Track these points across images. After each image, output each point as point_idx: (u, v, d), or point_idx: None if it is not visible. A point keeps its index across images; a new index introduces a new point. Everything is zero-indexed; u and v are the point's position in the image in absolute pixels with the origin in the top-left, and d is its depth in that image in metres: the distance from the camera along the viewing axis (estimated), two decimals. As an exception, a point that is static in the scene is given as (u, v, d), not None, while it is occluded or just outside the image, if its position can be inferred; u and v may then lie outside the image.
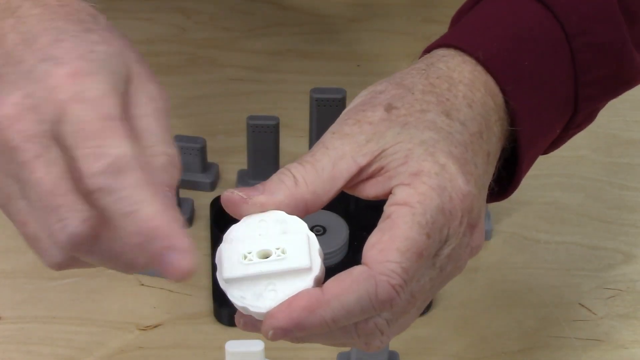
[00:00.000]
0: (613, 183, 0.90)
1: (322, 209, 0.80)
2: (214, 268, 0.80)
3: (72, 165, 0.51)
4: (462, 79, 0.60)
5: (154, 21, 1.05)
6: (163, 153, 0.54)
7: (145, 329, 0.77)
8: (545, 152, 0.68)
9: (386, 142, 0.56)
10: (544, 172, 0.91)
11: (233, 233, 0.56)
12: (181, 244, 0.52)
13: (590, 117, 0.67)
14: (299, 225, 0.55)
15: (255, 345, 0.67)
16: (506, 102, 0.61)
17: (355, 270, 0.53)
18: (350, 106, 0.59)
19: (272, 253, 0.54)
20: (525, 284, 0.82)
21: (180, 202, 0.84)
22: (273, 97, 0.97)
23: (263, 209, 0.55)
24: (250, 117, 0.87)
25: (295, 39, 1.04)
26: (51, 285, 0.80)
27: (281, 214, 0.55)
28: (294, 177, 0.56)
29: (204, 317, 0.78)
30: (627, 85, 0.67)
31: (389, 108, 0.58)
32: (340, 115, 0.59)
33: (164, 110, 0.56)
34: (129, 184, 0.50)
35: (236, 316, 0.56)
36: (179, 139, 0.86)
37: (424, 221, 0.54)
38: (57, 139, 0.51)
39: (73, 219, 0.50)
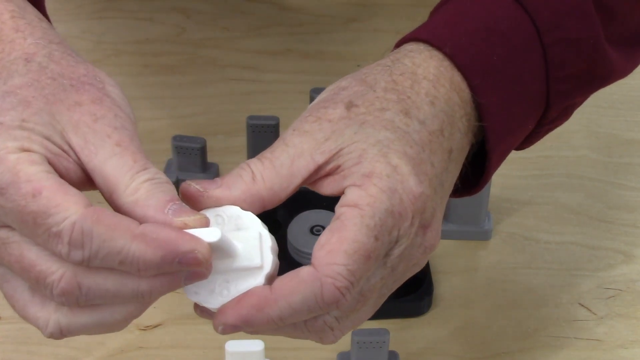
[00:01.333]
0: (613, 183, 0.90)
1: (324, 209, 0.81)
2: (214, 268, 0.80)
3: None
4: (427, 75, 0.60)
5: (154, 21, 1.05)
6: (141, 183, 0.54)
7: (145, 329, 0.77)
8: (520, 147, 0.67)
9: (344, 141, 0.57)
10: (544, 172, 0.91)
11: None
12: (184, 247, 0.52)
13: (565, 114, 0.67)
14: (253, 223, 0.56)
15: (255, 345, 0.67)
16: (477, 103, 0.61)
17: (303, 270, 0.54)
18: (314, 102, 0.60)
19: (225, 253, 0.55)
20: (525, 284, 0.82)
21: (180, 202, 0.84)
22: (273, 97, 0.97)
23: (219, 203, 0.56)
24: (250, 117, 0.87)
25: (295, 39, 1.04)
26: (51, 285, 0.80)
27: (236, 210, 0.56)
28: (252, 172, 0.56)
29: (204, 317, 0.78)
30: (601, 81, 0.66)
31: (349, 106, 0.58)
32: (304, 111, 0.59)
33: (126, 139, 0.55)
34: (98, 244, 0.51)
35: (194, 306, 0.57)
36: (179, 139, 0.86)
37: (372, 224, 0.54)
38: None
39: (52, 282, 0.53)
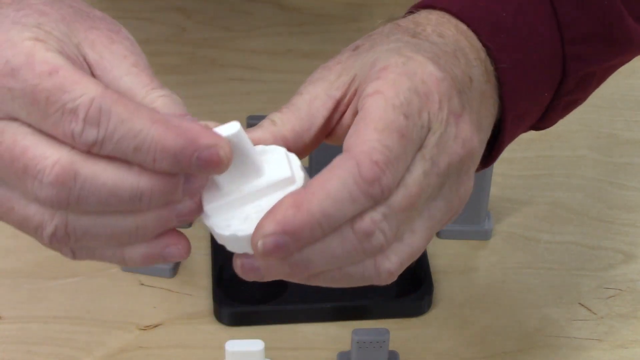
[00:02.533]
0: (613, 183, 0.90)
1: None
2: (214, 268, 0.80)
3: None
4: (429, 22, 0.59)
5: (154, 21, 1.05)
6: (158, 97, 0.52)
7: (145, 328, 0.77)
8: (540, 125, 0.66)
9: (355, 69, 0.55)
10: (544, 172, 0.91)
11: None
12: (206, 139, 0.49)
13: (584, 87, 0.65)
14: (277, 147, 0.53)
15: (255, 345, 0.67)
16: (489, 52, 0.59)
17: (335, 158, 0.51)
18: None
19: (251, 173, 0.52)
20: (525, 284, 0.82)
21: (180, 202, 0.84)
22: (273, 97, 0.97)
23: None
24: (250, 117, 0.87)
25: (295, 39, 1.04)
26: (51, 285, 0.80)
27: (259, 146, 0.53)
28: (271, 120, 0.55)
29: (204, 317, 0.78)
30: (619, 49, 0.64)
31: (355, 48, 0.57)
32: None
33: (142, 63, 0.54)
34: (116, 124, 0.48)
35: (234, 259, 0.53)
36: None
37: (397, 102, 0.52)
38: (20, 119, 0.50)
39: (44, 168, 0.49)
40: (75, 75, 0.50)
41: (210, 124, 0.51)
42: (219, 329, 0.77)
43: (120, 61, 0.53)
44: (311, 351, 0.76)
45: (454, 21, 0.59)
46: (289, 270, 0.52)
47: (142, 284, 0.80)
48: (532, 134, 0.93)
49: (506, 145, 0.62)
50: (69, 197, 0.49)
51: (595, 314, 0.80)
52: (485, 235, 0.85)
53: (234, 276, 0.81)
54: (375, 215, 0.51)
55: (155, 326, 0.78)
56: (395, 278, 0.54)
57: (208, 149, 0.49)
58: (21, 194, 0.51)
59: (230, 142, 0.49)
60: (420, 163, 0.53)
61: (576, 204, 0.88)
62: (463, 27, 0.59)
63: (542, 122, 0.65)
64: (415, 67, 0.53)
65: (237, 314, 0.77)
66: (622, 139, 0.94)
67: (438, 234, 0.84)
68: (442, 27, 0.58)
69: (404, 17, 0.61)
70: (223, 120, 0.97)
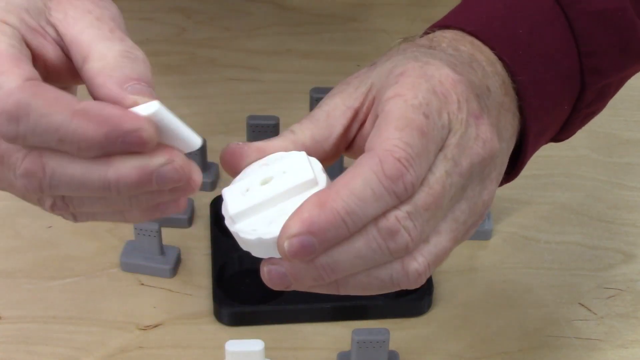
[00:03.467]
0: (613, 183, 0.90)
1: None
2: (214, 268, 0.80)
3: None
4: (444, 39, 0.59)
5: (154, 21, 1.05)
6: (114, 53, 0.53)
7: (145, 328, 0.77)
8: (560, 137, 0.66)
9: (372, 78, 0.56)
10: (544, 172, 0.91)
11: (235, 179, 0.54)
12: (128, 125, 0.50)
13: (602, 98, 0.65)
14: (298, 152, 0.53)
15: (255, 345, 0.67)
16: (506, 66, 0.59)
17: (359, 158, 0.51)
18: None
19: (273, 178, 0.52)
20: (525, 284, 0.82)
21: (180, 202, 0.84)
22: (273, 97, 0.97)
23: (261, 154, 0.55)
24: (250, 117, 0.87)
25: (295, 39, 1.04)
26: (51, 285, 0.80)
27: (280, 153, 0.54)
28: (291, 130, 0.56)
29: (204, 317, 0.78)
30: (635, 59, 0.65)
31: (373, 64, 0.58)
32: None
33: (107, 16, 0.55)
34: (35, 118, 0.49)
35: (261, 266, 0.53)
36: (179, 138, 0.86)
37: (417, 103, 0.52)
38: None
39: (15, 161, 0.51)
40: (5, 65, 0.50)
41: (139, 99, 0.52)
42: (219, 329, 0.77)
43: (83, 15, 0.54)
44: (311, 351, 0.76)
45: (469, 38, 0.60)
46: (315, 273, 0.52)
47: (142, 284, 0.80)
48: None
49: (529, 158, 0.63)
50: (42, 187, 0.51)
51: (595, 314, 0.80)
52: (485, 235, 0.85)
53: (234, 276, 0.81)
54: (400, 213, 0.51)
55: (155, 326, 0.78)
56: (424, 280, 0.54)
57: (131, 133, 0.49)
58: None
59: (152, 120, 0.50)
60: (442, 163, 0.53)
61: (576, 204, 0.88)
62: (479, 43, 0.60)
63: (562, 134, 0.66)
64: (432, 70, 0.54)
65: (237, 314, 0.77)
66: (622, 139, 0.94)
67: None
68: (457, 42, 0.59)
69: (419, 37, 0.61)
70: (223, 120, 0.98)
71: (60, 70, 0.55)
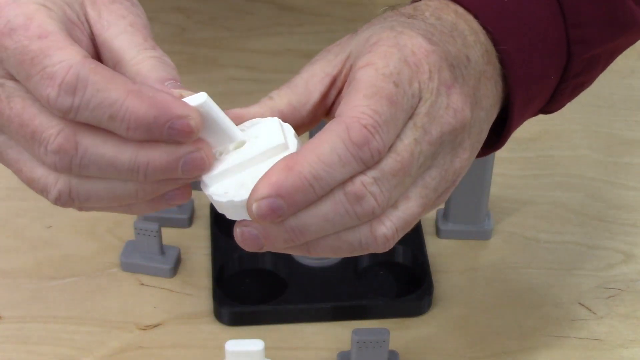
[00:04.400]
0: (613, 183, 0.90)
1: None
2: (214, 268, 0.80)
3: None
4: (428, 8, 0.60)
5: (154, 21, 1.05)
6: (147, 58, 0.54)
7: (145, 328, 0.77)
8: (549, 109, 0.66)
9: (350, 47, 0.57)
10: (544, 172, 0.91)
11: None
12: (178, 110, 0.51)
13: (590, 69, 0.66)
14: (271, 118, 0.55)
15: (255, 345, 0.67)
16: (490, 35, 0.60)
17: (327, 124, 0.53)
18: None
19: (245, 142, 0.54)
20: (525, 283, 0.82)
21: (180, 202, 0.84)
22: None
23: (238, 120, 0.56)
24: (250, 117, 0.87)
25: (295, 39, 1.04)
26: (51, 285, 0.80)
27: (255, 119, 0.56)
28: (269, 96, 0.57)
29: (204, 317, 0.78)
30: (623, 32, 0.65)
31: (354, 32, 0.59)
32: None
33: (139, 23, 0.56)
34: (92, 92, 0.50)
35: (234, 227, 0.54)
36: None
37: (387, 72, 0.53)
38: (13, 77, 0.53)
39: (49, 136, 0.52)
40: (62, 42, 0.52)
41: (184, 92, 0.53)
42: (219, 329, 0.77)
43: (118, 20, 0.55)
44: (311, 351, 0.76)
45: (453, 7, 0.60)
46: (286, 235, 0.53)
47: (142, 284, 0.80)
48: (532, 133, 0.94)
49: (514, 129, 0.63)
50: (71, 165, 0.52)
51: (595, 313, 0.80)
52: (485, 235, 0.85)
53: (234, 276, 0.81)
54: (366, 179, 0.53)
55: (155, 326, 0.78)
56: (391, 245, 0.55)
57: (179, 119, 0.51)
58: (29, 157, 0.54)
59: (199, 111, 0.52)
60: (412, 131, 0.54)
61: (576, 204, 0.88)
62: (463, 11, 0.60)
63: (551, 105, 0.66)
64: (405, 39, 0.55)
65: (237, 314, 0.77)
66: (622, 139, 0.94)
67: (438, 234, 0.84)
68: (441, 11, 0.60)
69: (406, 5, 0.62)
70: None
71: None
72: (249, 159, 0.53)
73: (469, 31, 0.59)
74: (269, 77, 0.99)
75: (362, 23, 1.10)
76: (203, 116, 0.52)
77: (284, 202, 0.51)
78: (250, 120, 0.56)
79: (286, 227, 0.53)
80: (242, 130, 0.55)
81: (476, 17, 0.60)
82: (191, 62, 1.01)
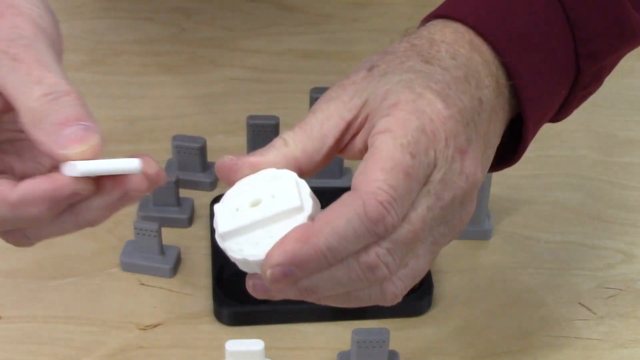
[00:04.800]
0: (613, 183, 0.90)
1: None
2: (214, 268, 0.80)
3: None
4: (444, 39, 0.60)
5: (154, 21, 1.05)
6: (37, 98, 0.53)
7: (145, 328, 0.77)
8: (557, 118, 0.67)
9: (368, 93, 0.57)
10: (544, 172, 0.91)
11: (227, 194, 0.56)
12: (63, 193, 0.53)
13: (597, 79, 0.66)
14: (288, 173, 0.56)
15: (255, 345, 0.67)
16: (503, 64, 0.60)
17: (344, 195, 0.53)
18: None
19: (262, 201, 0.55)
20: (525, 283, 0.82)
21: (180, 202, 0.84)
22: (273, 97, 0.97)
23: (254, 169, 0.56)
24: (250, 117, 0.87)
25: (295, 39, 1.04)
26: (51, 285, 0.80)
27: (271, 170, 0.56)
28: (284, 139, 0.57)
29: (204, 317, 0.78)
30: (629, 41, 0.66)
31: (370, 68, 0.59)
32: None
33: (23, 44, 0.53)
34: None
35: (246, 279, 0.56)
36: (179, 138, 0.86)
37: (405, 142, 0.54)
38: None
39: None
40: None
41: (79, 152, 0.53)
42: (219, 329, 0.77)
43: (1, 59, 0.53)
44: (311, 351, 0.76)
45: (468, 37, 0.60)
46: (297, 292, 0.54)
47: (142, 284, 0.80)
48: (532, 133, 0.93)
49: (528, 144, 0.64)
50: (31, 244, 0.58)
51: (595, 313, 0.80)
52: (485, 235, 0.85)
53: (234, 276, 0.81)
54: (380, 250, 0.54)
55: (155, 326, 0.78)
56: (400, 299, 0.57)
57: (71, 197, 0.54)
58: None
59: (82, 176, 0.53)
60: (425, 199, 0.55)
61: (576, 204, 0.88)
62: (477, 42, 0.61)
63: (559, 115, 0.67)
64: (424, 105, 0.56)
65: (237, 314, 0.77)
66: (622, 139, 0.94)
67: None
68: (457, 45, 0.60)
69: (420, 27, 0.62)
70: (223, 119, 0.97)
71: (7, 114, 0.56)
72: (265, 219, 0.54)
73: (482, 65, 0.60)
74: (269, 77, 0.99)
75: (362, 23, 1.10)
76: (90, 172, 0.53)
77: (297, 270, 0.53)
78: (266, 170, 0.56)
79: (299, 287, 0.54)
80: (253, 178, 0.56)
81: (490, 42, 0.60)
82: (191, 62, 1.01)
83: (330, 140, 0.57)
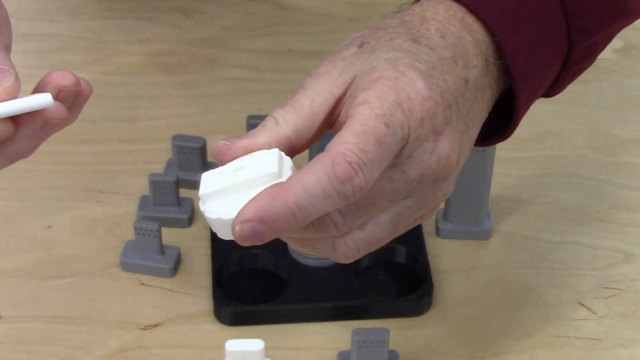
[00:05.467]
0: (613, 183, 0.90)
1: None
2: (214, 268, 0.80)
3: None
4: (436, 16, 0.60)
5: (154, 21, 1.05)
6: None
7: (146, 328, 0.77)
8: (550, 93, 0.67)
9: (356, 70, 0.58)
10: (544, 172, 0.91)
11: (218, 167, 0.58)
12: None
13: (590, 54, 0.67)
14: (273, 151, 0.57)
15: (255, 345, 0.67)
16: (494, 42, 0.61)
17: (316, 157, 0.54)
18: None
19: (243, 167, 0.56)
20: (525, 283, 0.82)
21: (180, 202, 0.84)
22: (273, 97, 0.97)
23: (247, 151, 0.57)
24: (250, 117, 0.87)
25: (295, 39, 1.04)
26: (51, 285, 0.80)
27: (262, 151, 0.57)
28: (275, 118, 0.58)
29: (204, 317, 0.78)
30: (623, 16, 0.66)
31: (360, 44, 0.60)
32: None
33: None
34: None
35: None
36: (179, 138, 0.86)
37: (381, 112, 0.55)
38: None
39: None
40: None
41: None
42: (219, 329, 0.77)
43: None
44: (311, 351, 0.76)
45: (460, 14, 0.61)
46: (258, 240, 0.55)
47: (142, 284, 0.80)
48: (532, 133, 0.94)
49: (520, 120, 0.64)
50: None
51: (595, 313, 0.80)
52: (485, 235, 0.85)
53: (234, 276, 0.81)
54: (333, 213, 0.56)
55: (155, 326, 0.78)
56: (351, 260, 0.58)
57: None
58: None
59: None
60: (389, 169, 0.56)
61: (576, 204, 0.88)
62: (469, 20, 0.61)
63: (552, 90, 0.67)
64: (404, 84, 0.56)
65: (237, 314, 0.77)
66: (622, 139, 0.94)
67: (438, 234, 0.84)
68: (447, 23, 0.60)
69: (414, 3, 0.62)
70: (223, 119, 0.97)
71: None
72: (242, 183, 0.56)
73: (471, 44, 0.60)
74: (269, 77, 0.99)
75: (362, 23, 1.10)
76: (4, 113, 0.56)
77: (265, 227, 0.54)
78: (256, 152, 0.58)
79: (260, 235, 0.55)
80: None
81: (479, 19, 0.61)
82: (191, 62, 1.00)
83: (320, 117, 0.58)
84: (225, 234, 0.56)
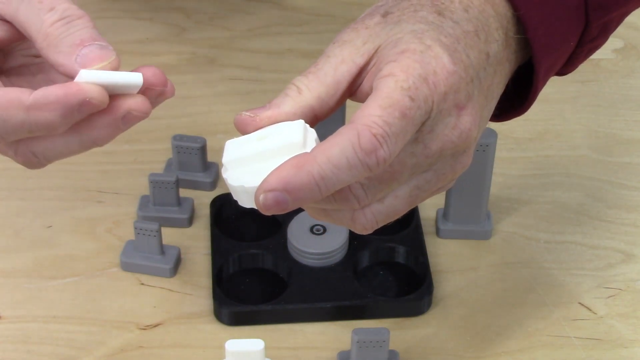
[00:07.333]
0: (613, 183, 0.90)
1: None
2: (214, 268, 0.80)
3: None
4: None
5: (154, 21, 1.05)
6: (51, 24, 0.56)
7: (146, 328, 0.77)
8: (563, 71, 0.68)
9: (381, 40, 0.58)
10: (544, 171, 0.91)
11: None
12: (75, 99, 0.55)
13: (604, 32, 0.67)
14: (299, 122, 0.57)
15: (255, 345, 0.67)
16: (515, 16, 0.61)
17: (341, 128, 0.55)
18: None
19: (267, 136, 0.57)
20: (525, 283, 0.82)
21: (180, 202, 0.84)
22: (273, 97, 0.97)
23: (271, 122, 0.58)
24: (250, 117, 0.87)
25: (295, 39, 1.04)
26: (51, 285, 0.80)
27: (287, 122, 0.57)
28: (297, 87, 0.59)
29: (204, 316, 0.78)
30: None
31: (385, 14, 0.60)
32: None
33: None
34: (1, 124, 0.56)
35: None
36: (179, 138, 0.86)
37: (406, 85, 0.55)
38: None
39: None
40: None
41: (101, 66, 0.56)
42: (219, 329, 0.77)
43: None
44: (311, 351, 0.76)
45: None
46: (281, 209, 0.56)
47: (142, 284, 0.80)
48: (532, 133, 0.94)
49: (537, 94, 0.65)
50: (40, 165, 0.59)
51: (595, 313, 0.80)
52: (485, 235, 0.85)
53: (234, 276, 0.81)
54: (353, 183, 0.56)
55: (155, 326, 0.78)
56: (369, 232, 0.59)
57: (82, 105, 0.55)
58: None
59: (95, 84, 0.55)
60: (411, 144, 0.57)
61: (576, 204, 0.88)
62: None
63: (566, 68, 0.68)
64: (430, 58, 0.57)
65: (237, 314, 0.77)
66: (622, 139, 0.94)
67: (438, 234, 0.84)
68: None
69: None
70: (223, 120, 0.97)
71: (16, 42, 0.59)
72: (266, 151, 0.56)
73: (493, 18, 0.60)
74: (269, 77, 0.99)
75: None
76: (101, 83, 0.56)
77: (289, 197, 0.54)
78: (281, 123, 0.58)
79: (283, 203, 0.55)
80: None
81: None
82: (191, 62, 1.01)
83: (343, 86, 0.58)
84: (246, 202, 0.56)
